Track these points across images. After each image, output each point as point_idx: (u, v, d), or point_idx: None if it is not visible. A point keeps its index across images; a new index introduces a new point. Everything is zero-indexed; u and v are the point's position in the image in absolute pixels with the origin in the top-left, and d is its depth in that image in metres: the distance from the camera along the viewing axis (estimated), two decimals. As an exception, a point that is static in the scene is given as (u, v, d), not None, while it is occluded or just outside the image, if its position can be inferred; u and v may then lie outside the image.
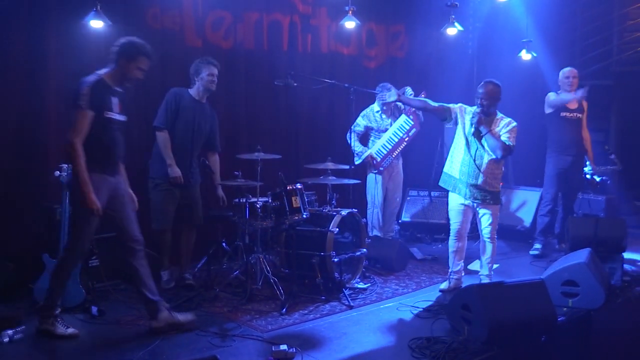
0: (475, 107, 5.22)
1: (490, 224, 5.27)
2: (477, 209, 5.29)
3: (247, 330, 4.38)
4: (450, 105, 5.39)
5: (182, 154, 5.27)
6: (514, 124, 5.22)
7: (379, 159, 6.65)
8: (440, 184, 5.49)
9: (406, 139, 6.70)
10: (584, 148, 6.68)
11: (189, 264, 5.56)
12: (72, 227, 4.26)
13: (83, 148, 4.01)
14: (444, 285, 5.42)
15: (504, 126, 5.19)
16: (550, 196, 6.70)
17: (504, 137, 5.15)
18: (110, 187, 4.23)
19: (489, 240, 5.32)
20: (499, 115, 5.25)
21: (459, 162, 5.27)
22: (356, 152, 6.65)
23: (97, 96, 4.03)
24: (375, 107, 6.77)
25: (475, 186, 5.20)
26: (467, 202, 5.27)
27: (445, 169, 5.44)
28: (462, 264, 5.47)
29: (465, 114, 5.29)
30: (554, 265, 5.22)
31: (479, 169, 5.19)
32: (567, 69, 6.68)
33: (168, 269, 5.42)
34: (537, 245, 6.73)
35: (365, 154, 6.63)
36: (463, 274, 5.49)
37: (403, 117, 6.71)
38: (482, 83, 5.24)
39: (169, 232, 5.36)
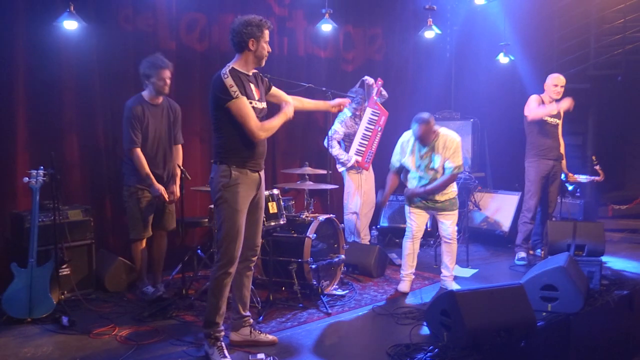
0: (410, 133, 5.44)
1: (451, 225, 5.55)
2: (437, 214, 5.56)
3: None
4: (396, 164, 5.60)
5: (153, 163, 5.15)
6: (456, 142, 5.38)
7: (360, 159, 6.68)
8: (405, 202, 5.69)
9: (379, 129, 6.76)
10: (561, 154, 6.73)
11: (161, 273, 5.47)
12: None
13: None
14: (403, 288, 5.59)
15: (444, 148, 5.34)
16: (534, 203, 6.66)
17: (447, 166, 5.35)
18: (255, 185, 4.03)
19: (451, 241, 5.57)
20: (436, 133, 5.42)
21: (415, 185, 5.52)
22: (341, 160, 6.66)
23: (240, 85, 3.85)
24: (347, 112, 6.79)
25: (434, 201, 5.49)
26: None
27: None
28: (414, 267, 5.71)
29: (408, 146, 5.48)
30: (532, 269, 5.28)
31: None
32: (556, 76, 6.61)
33: (150, 282, 5.31)
34: (522, 254, 6.68)
35: (352, 162, 6.65)
36: (413, 277, 5.71)
37: (369, 110, 6.75)
38: (414, 125, 5.29)
39: (144, 240, 5.27)
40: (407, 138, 5.52)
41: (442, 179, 5.37)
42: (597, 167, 7.01)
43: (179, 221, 5.38)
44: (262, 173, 4.11)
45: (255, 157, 3.99)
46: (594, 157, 7.08)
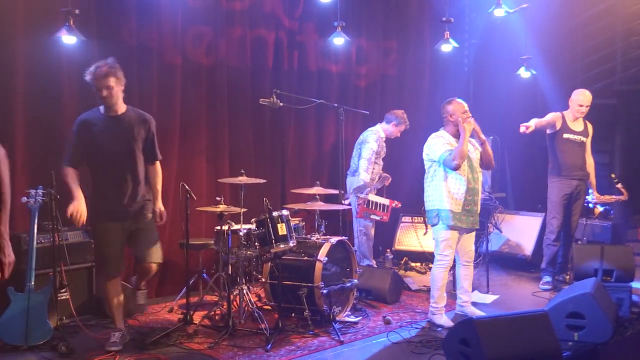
0: (438, 134, 5.36)
1: (473, 245, 5.53)
2: (465, 233, 5.43)
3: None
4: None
5: (112, 184, 4.72)
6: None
7: (368, 205, 6.66)
8: (443, 222, 5.26)
9: (382, 217, 6.73)
10: (587, 173, 6.71)
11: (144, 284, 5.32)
12: None
13: None
14: (444, 321, 5.37)
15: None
16: (557, 224, 6.64)
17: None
18: None
19: (471, 263, 5.55)
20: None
21: (462, 191, 5.22)
22: (362, 187, 6.66)
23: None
24: (381, 132, 6.89)
25: (476, 212, 5.34)
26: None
27: (440, 206, 5.26)
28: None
29: (445, 143, 5.27)
30: (558, 296, 5.23)
31: (478, 193, 5.36)
32: (581, 92, 6.60)
33: (119, 329, 4.80)
34: (547, 278, 6.67)
35: (365, 196, 6.63)
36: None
37: (387, 200, 6.76)
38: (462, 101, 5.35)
39: (114, 281, 4.83)
40: (439, 136, 5.35)
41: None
42: (619, 186, 6.95)
43: (183, 244, 5.39)
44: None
45: None
46: (613, 175, 7.03)
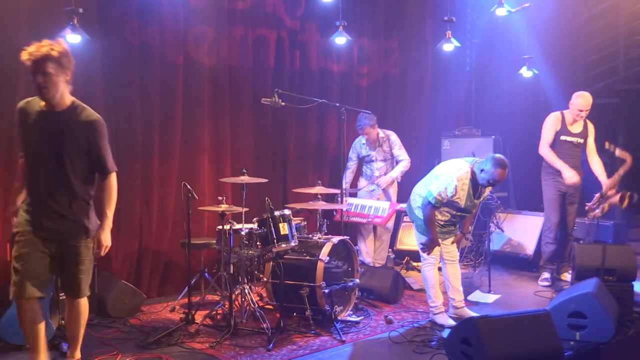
0: (467, 176, 5.16)
1: (453, 243, 5.55)
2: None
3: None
4: (443, 202, 5.18)
5: (32, 189, 3.86)
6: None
7: (344, 208, 6.59)
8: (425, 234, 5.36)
9: (370, 220, 6.71)
10: (582, 172, 6.66)
11: (75, 348, 4.19)
12: None
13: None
14: (445, 320, 5.36)
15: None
16: (554, 222, 6.68)
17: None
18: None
19: (455, 261, 5.54)
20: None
21: (445, 219, 5.37)
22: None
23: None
24: (362, 139, 7.00)
25: (453, 230, 5.51)
26: None
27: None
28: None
29: (463, 189, 5.15)
30: (559, 295, 5.23)
31: (461, 221, 5.52)
32: (582, 95, 6.56)
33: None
34: (546, 275, 6.72)
35: (344, 196, 6.60)
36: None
37: (388, 203, 6.78)
38: (498, 170, 4.99)
39: (27, 303, 3.85)
40: (465, 181, 5.14)
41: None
42: (618, 153, 6.61)
43: (185, 244, 5.39)
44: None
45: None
46: (607, 143, 6.80)
